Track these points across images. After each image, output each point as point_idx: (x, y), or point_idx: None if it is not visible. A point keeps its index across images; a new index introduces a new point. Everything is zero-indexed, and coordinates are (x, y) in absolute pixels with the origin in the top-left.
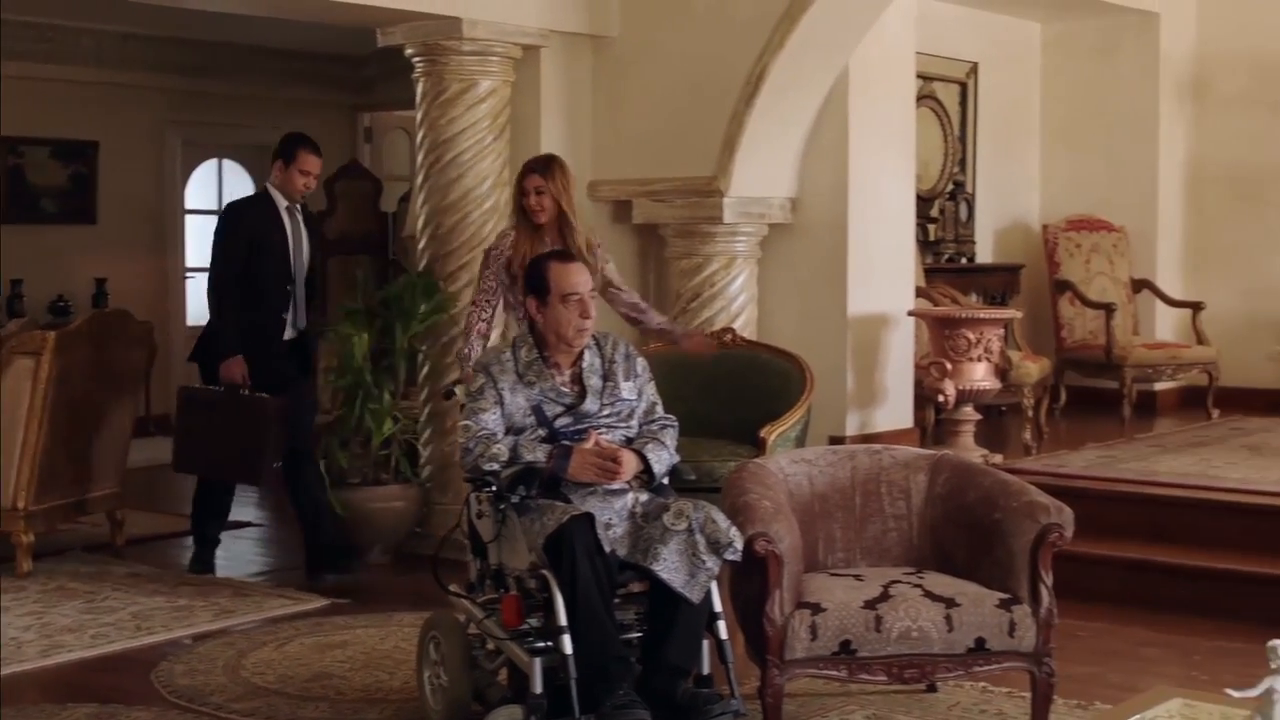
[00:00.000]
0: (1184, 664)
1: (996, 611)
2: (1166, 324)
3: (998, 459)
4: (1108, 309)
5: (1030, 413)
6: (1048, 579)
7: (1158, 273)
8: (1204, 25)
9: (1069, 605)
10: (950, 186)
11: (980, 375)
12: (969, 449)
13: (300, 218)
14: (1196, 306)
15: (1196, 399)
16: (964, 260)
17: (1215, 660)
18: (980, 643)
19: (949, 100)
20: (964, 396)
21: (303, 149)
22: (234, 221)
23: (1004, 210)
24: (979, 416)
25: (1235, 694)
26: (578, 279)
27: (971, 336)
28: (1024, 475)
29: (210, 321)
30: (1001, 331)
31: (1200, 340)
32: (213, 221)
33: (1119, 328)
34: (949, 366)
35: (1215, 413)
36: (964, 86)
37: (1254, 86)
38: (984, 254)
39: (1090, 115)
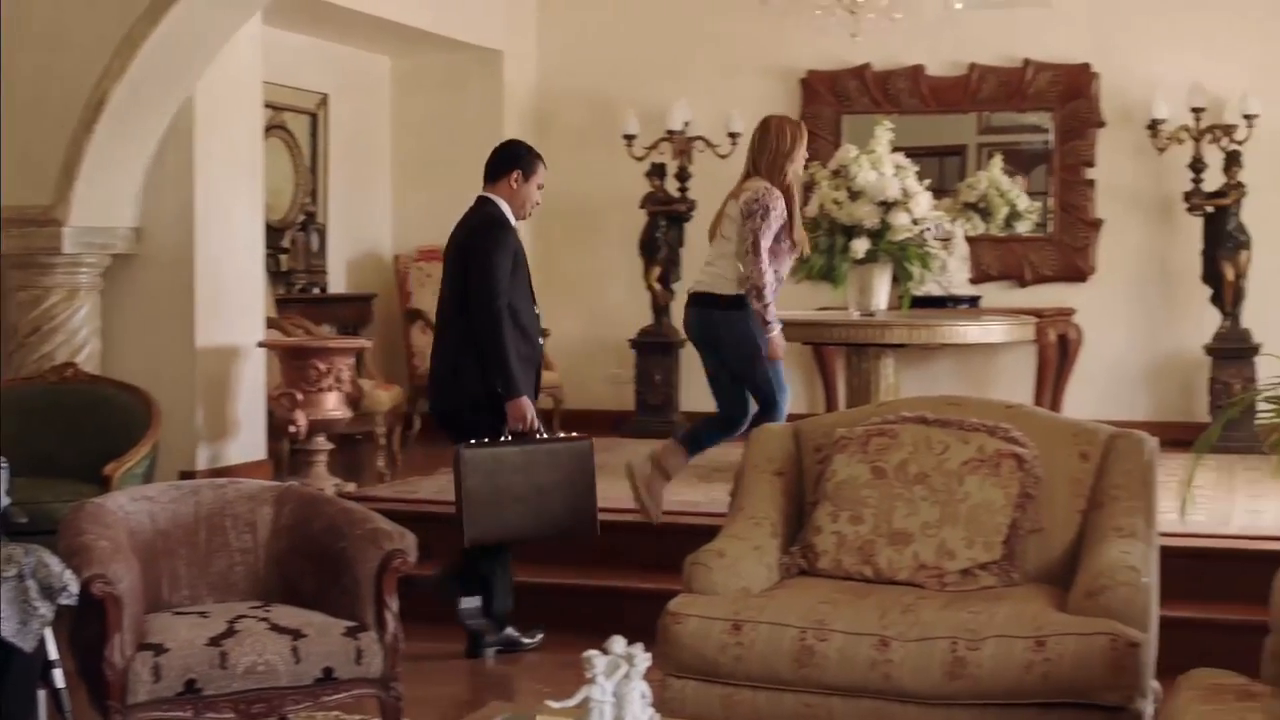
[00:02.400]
0: (530, 678)
1: (343, 640)
2: None
3: (350, 488)
4: None
5: (383, 441)
6: (393, 604)
7: None
8: (544, 63)
9: (420, 629)
10: (302, 217)
11: (332, 405)
12: (323, 478)
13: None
14: (543, 334)
15: (545, 422)
16: (316, 290)
17: (558, 672)
18: (328, 672)
19: (300, 130)
20: (316, 426)
21: (541, 162)
22: (506, 236)
23: (356, 240)
24: (332, 446)
25: (554, 704)
26: None
27: (322, 366)
28: (375, 503)
29: (489, 359)
30: (353, 361)
31: (547, 366)
32: None
33: None
34: (300, 397)
35: (560, 434)
36: (315, 117)
37: (592, 122)
38: (337, 284)
39: (439, 147)
